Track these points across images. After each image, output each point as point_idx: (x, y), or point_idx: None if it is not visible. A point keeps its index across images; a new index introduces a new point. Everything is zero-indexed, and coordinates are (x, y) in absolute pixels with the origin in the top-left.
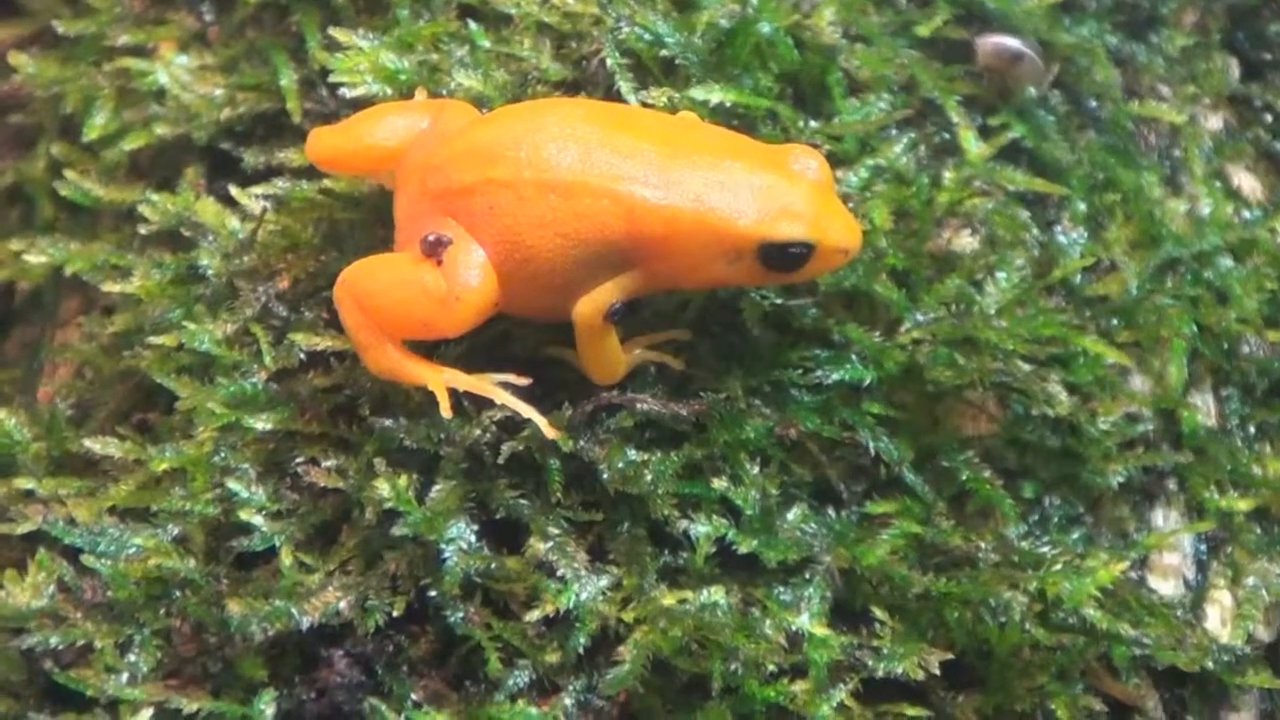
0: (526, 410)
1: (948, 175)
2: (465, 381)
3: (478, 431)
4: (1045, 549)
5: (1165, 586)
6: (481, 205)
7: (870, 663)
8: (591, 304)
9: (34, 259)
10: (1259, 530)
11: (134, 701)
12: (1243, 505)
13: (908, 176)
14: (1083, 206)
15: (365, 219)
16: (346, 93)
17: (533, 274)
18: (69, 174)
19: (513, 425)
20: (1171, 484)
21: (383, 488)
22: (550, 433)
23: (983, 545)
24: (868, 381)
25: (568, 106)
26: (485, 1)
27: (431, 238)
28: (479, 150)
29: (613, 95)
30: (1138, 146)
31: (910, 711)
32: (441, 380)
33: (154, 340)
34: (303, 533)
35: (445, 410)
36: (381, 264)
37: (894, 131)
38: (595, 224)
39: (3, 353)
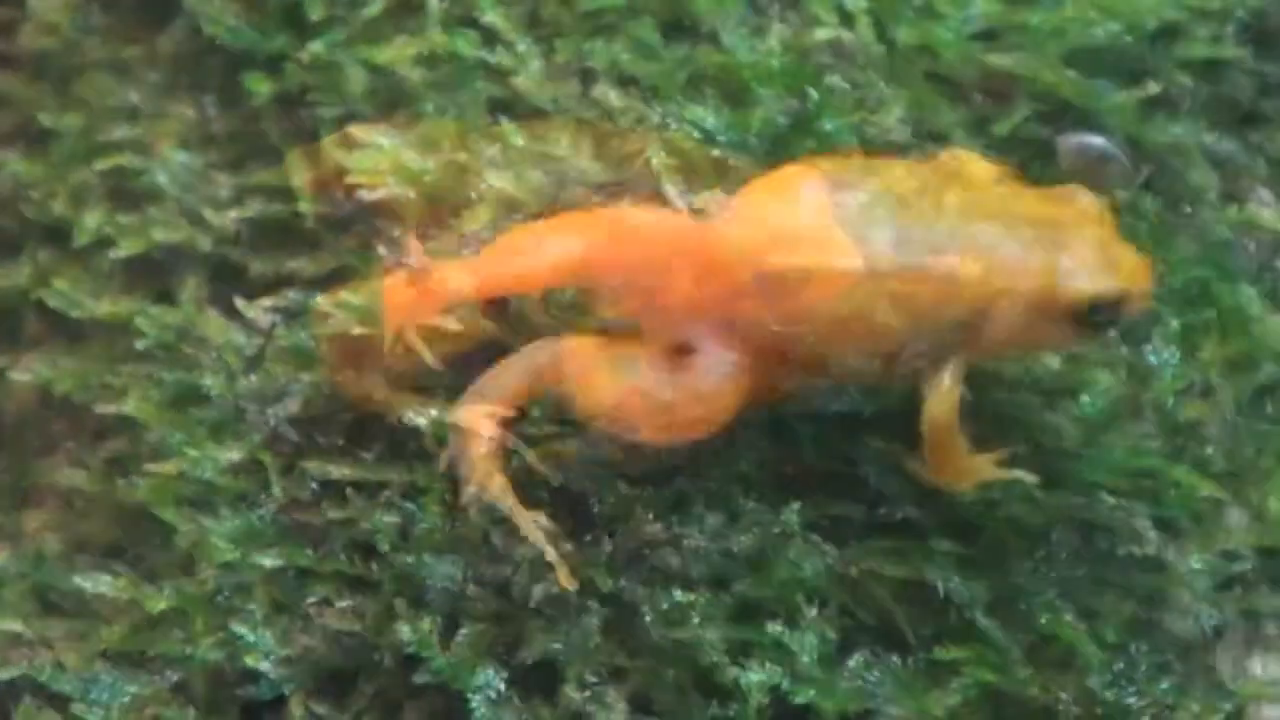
0: (551, 554)
1: None
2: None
3: (509, 570)
4: (1131, 699)
5: None
6: (806, 303)
7: None
8: (947, 401)
9: (18, 377)
10: None
11: None
12: None
13: None
14: (1175, 323)
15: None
16: (365, 195)
17: (824, 357)
18: (57, 283)
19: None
20: (1272, 629)
21: (404, 630)
22: (566, 582)
23: (1063, 696)
24: (937, 519)
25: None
26: (518, 96)
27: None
28: (777, 231)
29: (657, 198)
30: (1236, 257)
31: None
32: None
33: (151, 468)
34: (315, 680)
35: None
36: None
37: None
38: (912, 312)
39: None
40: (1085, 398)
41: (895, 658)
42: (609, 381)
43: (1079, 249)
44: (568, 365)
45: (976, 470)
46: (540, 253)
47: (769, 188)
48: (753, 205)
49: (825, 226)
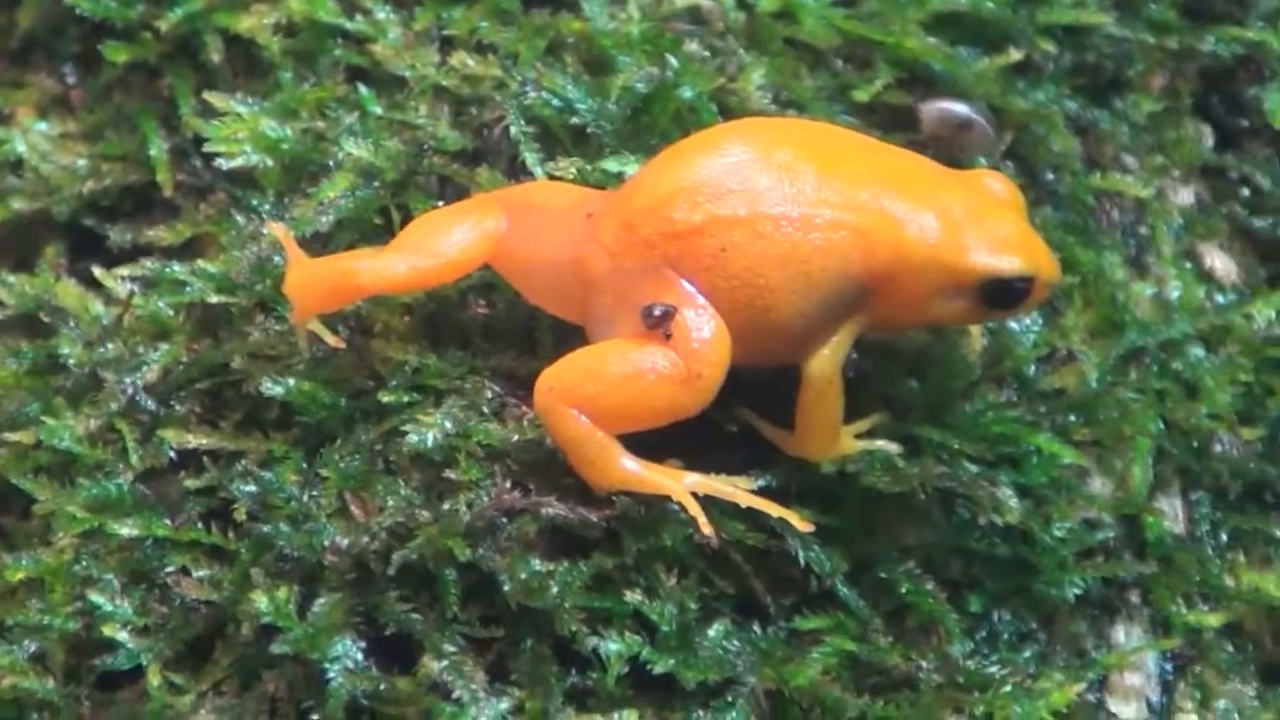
0: (777, 510)
1: None
2: (709, 485)
3: (366, 539)
4: (993, 668)
5: (1126, 710)
6: (712, 247)
7: None
8: (831, 359)
9: None
10: (1231, 648)
11: None
12: (1213, 620)
13: None
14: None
15: (244, 304)
16: (223, 164)
17: (771, 321)
18: None
19: (404, 532)
20: (1134, 597)
21: (260, 600)
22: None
23: (924, 664)
24: (797, 488)
25: (759, 130)
26: (377, 63)
27: (657, 310)
28: (695, 187)
29: (516, 167)
30: (1099, 223)
31: None
32: (685, 488)
33: (8, 437)
34: (172, 649)
35: (704, 527)
36: (593, 358)
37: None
38: (837, 258)
39: None
40: (946, 366)
41: (756, 627)
42: (611, 382)
43: (990, 228)
44: (578, 389)
45: (839, 442)
46: (449, 241)
47: (691, 144)
48: (667, 161)
49: (725, 173)
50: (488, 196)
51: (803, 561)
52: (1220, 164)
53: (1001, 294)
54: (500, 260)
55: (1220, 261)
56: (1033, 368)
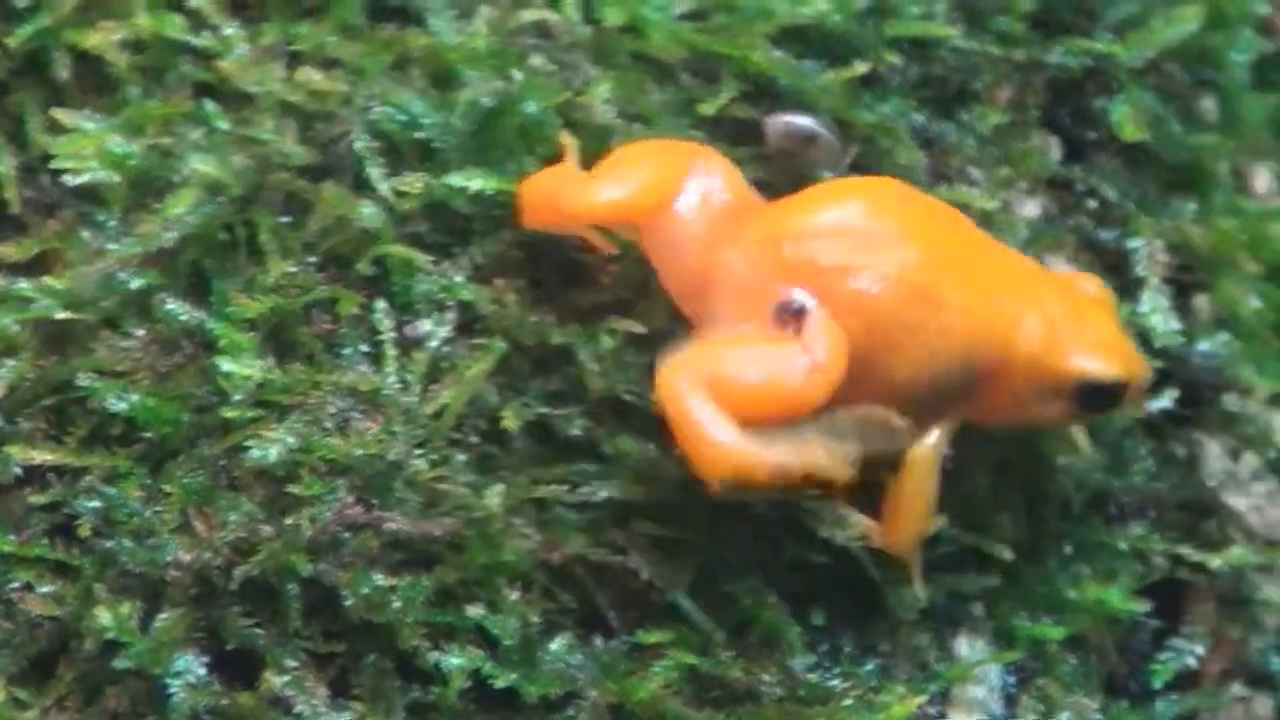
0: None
1: None
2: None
3: (208, 554)
4: (835, 682)
5: None
6: (849, 291)
7: None
8: (934, 447)
9: None
10: (1074, 660)
11: None
12: (1056, 633)
13: None
14: None
15: (90, 320)
16: (70, 180)
17: (880, 378)
18: None
19: (247, 547)
20: (977, 609)
21: (103, 616)
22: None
23: (766, 678)
24: (640, 499)
25: (913, 198)
26: (223, 79)
27: (795, 305)
28: (849, 230)
29: (361, 182)
30: None
31: None
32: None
33: None
34: (16, 665)
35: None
36: (727, 345)
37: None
38: (956, 344)
39: None
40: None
41: (598, 641)
42: (740, 366)
43: (1086, 332)
44: (710, 371)
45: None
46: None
47: (850, 187)
48: (825, 194)
49: (883, 230)
50: (679, 150)
51: (645, 576)
52: (1067, 176)
53: (1097, 397)
54: (651, 226)
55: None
56: None
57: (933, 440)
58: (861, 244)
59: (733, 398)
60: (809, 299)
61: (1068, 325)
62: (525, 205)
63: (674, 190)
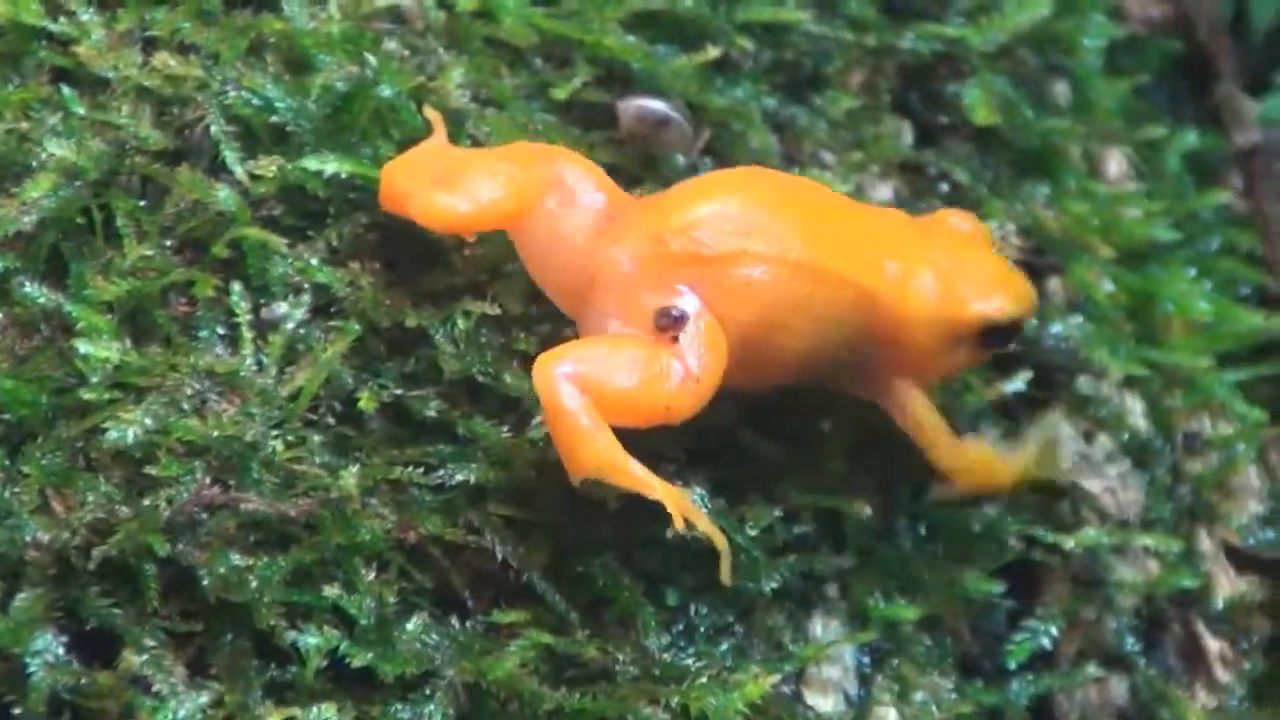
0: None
1: None
2: (686, 508)
3: (67, 534)
4: (689, 661)
5: (824, 702)
6: (735, 279)
7: None
8: (927, 412)
9: None
10: (928, 641)
11: None
12: (910, 613)
13: None
14: None
15: None
16: None
17: (773, 356)
18: None
19: (105, 528)
20: (832, 590)
21: None
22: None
23: (621, 657)
24: (495, 481)
25: (780, 181)
26: (80, 64)
27: (675, 312)
28: (728, 218)
29: (217, 165)
30: None
31: None
32: (667, 492)
33: None
34: None
35: (679, 524)
36: (607, 344)
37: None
38: (840, 312)
39: None
40: None
41: (454, 621)
42: (616, 368)
43: (975, 275)
44: (589, 369)
45: (999, 467)
46: (491, 188)
47: (723, 178)
48: (700, 187)
49: (761, 215)
50: (540, 154)
51: (500, 556)
52: (919, 160)
53: (1000, 335)
54: (519, 227)
55: None
56: None
57: (916, 404)
58: (742, 231)
59: (605, 399)
60: (690, 305)
61: (956, 272)
62: (385, 193)
63: (534, 196)
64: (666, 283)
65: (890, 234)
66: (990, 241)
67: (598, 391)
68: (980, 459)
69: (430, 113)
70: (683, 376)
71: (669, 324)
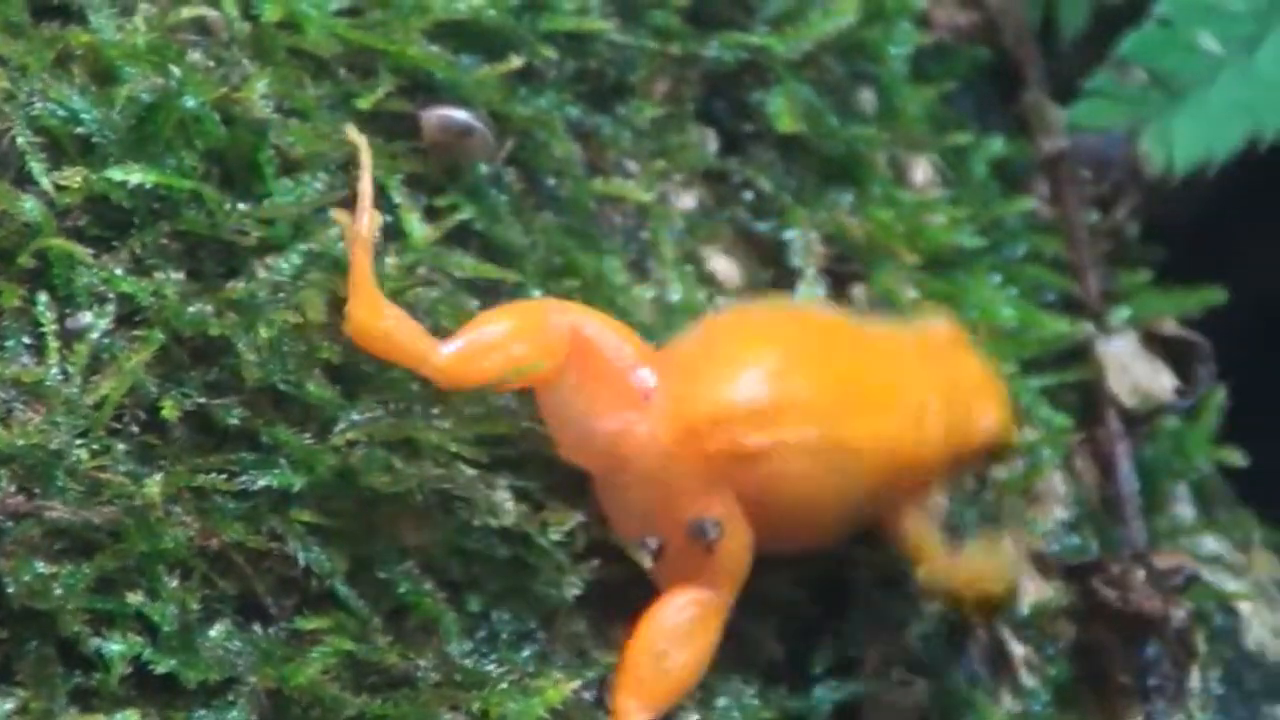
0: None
1: (389, 261)
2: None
3: None
4: (491, 667)
5: None
6: (772, 471)
7: None
8: (922, 526)
9: None
10: (731, 646)
11: None
12: None
13: (345, 263)
14: (538, 294)
15: None
16: None
17: (801, 531)
18: None
19: None
20: (638, 597)
21: None
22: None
23: (423, 663)
24: (297, 487)
25: (790, 332)
26: None
27: (711, 531)
28: (763, 407)
29: (23, 176)
30: (600, 228)
31: None
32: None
33: None
34: None
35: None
36: (653, 654)
37: (331, 215)
38: (866, 478)
39: None
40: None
41: (257, 627)
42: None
43: (971, 394)
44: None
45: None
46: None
47: (742, 343)
48: (725, 359)
49: (788, 396)
50: (553, 311)
51: (303, 562)
52: (724, 168)
53: (1001, 449)
54: (543, 392)
55: (722, 265)
56: None
57: (927, 542)
58: (775, 418)
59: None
60: (724, 508)
61: (957, 400)
62: (364, 339)
63: (560, 355)
64: (701, 480)
65: (895, 369)
66: (967, 342)
67: (669, 692)
68: (970, 577)
69: (351, 133)
70: (716, 604)
71: (705, 540)
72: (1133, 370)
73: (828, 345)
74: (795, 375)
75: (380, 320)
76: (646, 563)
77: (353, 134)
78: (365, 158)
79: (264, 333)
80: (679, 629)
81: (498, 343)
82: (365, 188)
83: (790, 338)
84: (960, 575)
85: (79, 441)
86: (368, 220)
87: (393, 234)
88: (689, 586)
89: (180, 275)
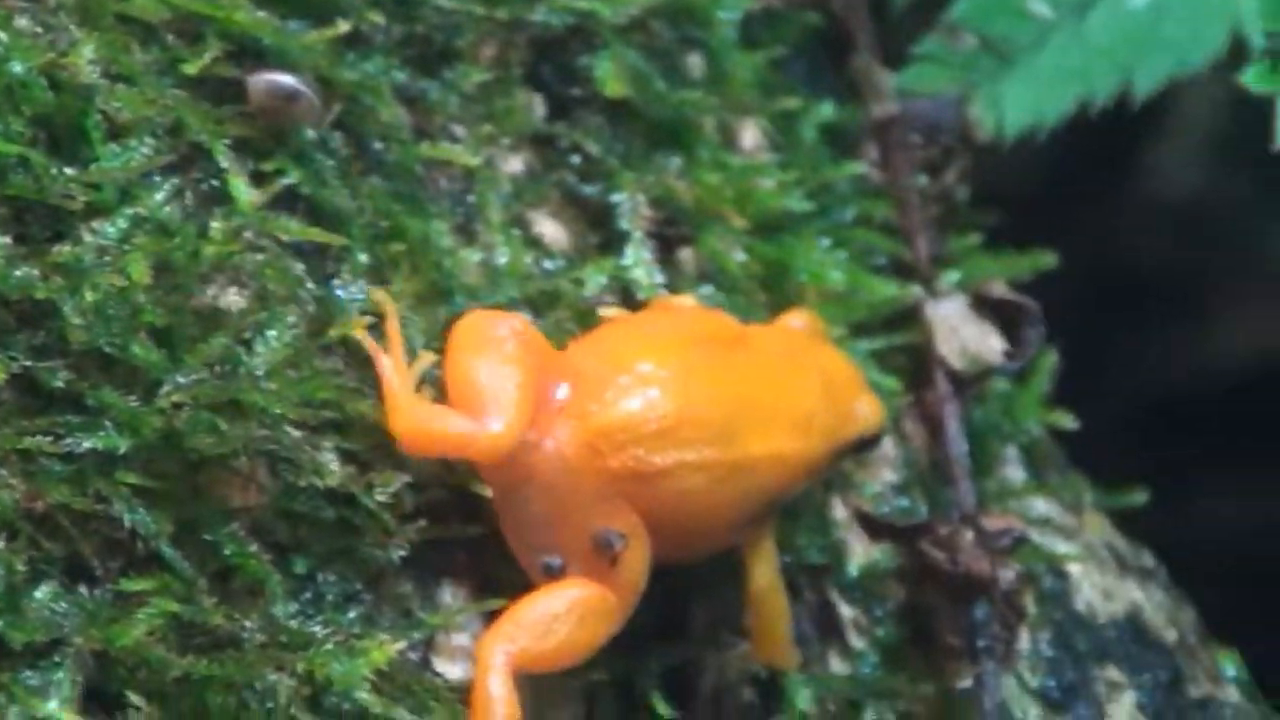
0: None
1: (215, 225)
2: None
3: None
4: (317, 628)
5: (452, 669)
6: (673, 488)
7: None
8: (769, 569)
9: None
10: None
11: None
12: None
13: (171, 227)
14: (364, 258)
15: None
16: None
17: (701, 539)
18: None
19: None
20: (461, 558)
21: None
22: None
23: (248, 624)
24: (123, 449)
25: (685, 339)
26: None
27: (616, 543)
28: (662, 425)
29: None
30: (427, 192)
31: None
32: None
33: None
34: None
35: None
36: (541, 616)
37: (157, 178)
38: (763, 491)
39: None
40: (271, 332)
41: (84, 589)
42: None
43: (839, 388)
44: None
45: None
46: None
47: (639, 353)
48: (624, 371)
49: (688, 410)
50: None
51: (128, 524)
52: (551, 133)
53: (867, 445)
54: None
55: (549, 228)
56: (360, 333)
57: (764, 567)
58: (674, 434)
59: (551, 657)
60: (626, 524)
61: (833, 398)
62: (416, 445)
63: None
64: (604, 494)
65: (780, 377)
66: (827, 334)
67: (540, 655)
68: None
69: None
70: (616, 608)
71: (610, 552)
72: (962, 333)
73: (720, 357)
74: (693, 393)
75: (421, 415)
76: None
77: (378, 295)
78: (390, 309)
79: (89, 296)
80: (577, 608)
81: (515, 388)
82: (393, 330)
83: (684, 351)
84: (777, 611)
85: None
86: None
87: (220, 198)
88: (594, 583)
89: (6, 239)
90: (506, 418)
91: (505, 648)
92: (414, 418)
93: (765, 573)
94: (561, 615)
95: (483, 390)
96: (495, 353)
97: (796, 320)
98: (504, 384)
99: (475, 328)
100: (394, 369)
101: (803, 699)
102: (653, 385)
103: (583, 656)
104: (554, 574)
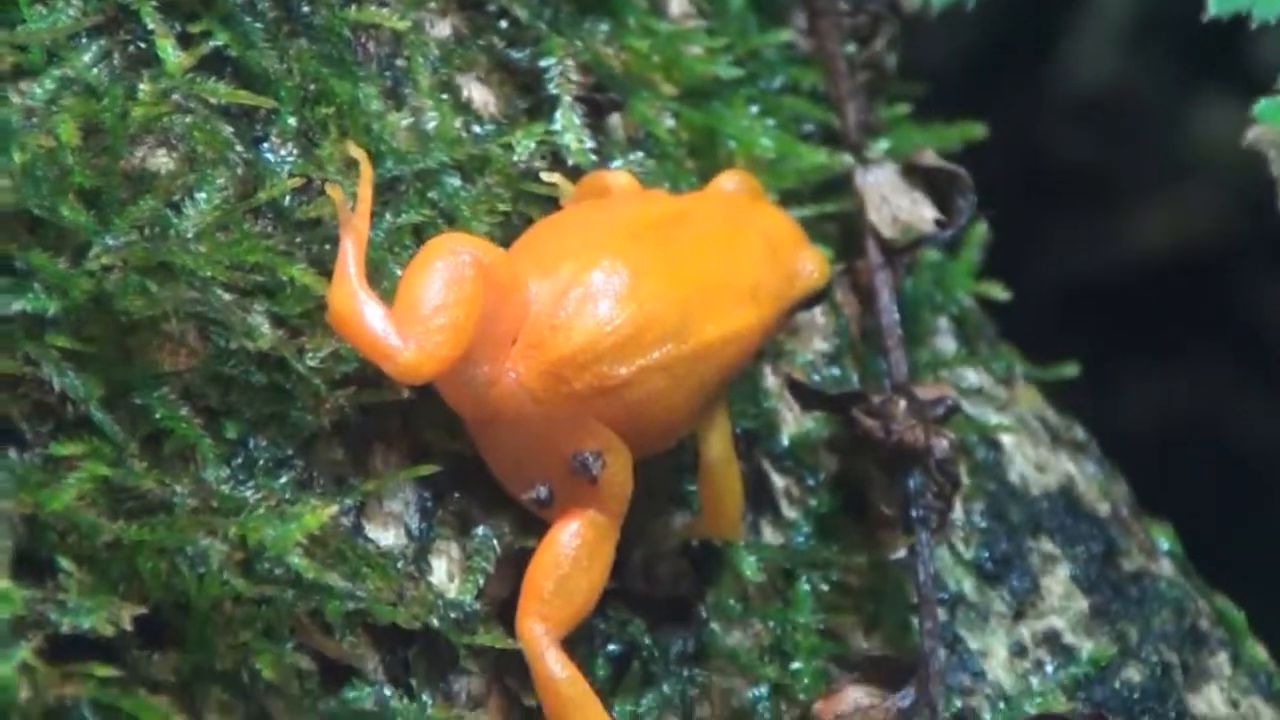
0: None
1: (143, 88)
2: None
3: None
4: (248, 493)
5: (385, 535)
6: (637, 394)
7: (55, 617)
8: (724, 441)
9: None
10: (488, 475)
11: None
12: (470, 449)
13: (99, 89)
14: (293, 121)
15: None
16: None
17: (668, 432)
18: None
19: None
20: (393, 424)
21: None
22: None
23: (179, 489)
24: (52, 312)
25: (636, 247)
26: None
27: (592, 461)
28: (620, 336)
29: None
30: (355, 56)
31: (100, 671)
32: None
33: None
34: None
35: None
36: (549, 570)
37: (84, 39)
38: (722, 370)
39: None
40: (201, 195)
41: (13, 453)
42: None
43: (783, 248)
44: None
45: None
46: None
47: (589, 268)
48: (576, 294)
49: (641, 319)
50: (461, 249)
51: (58, 388)
52: None
53: (815, 300)
54: None
55: (479, 93)
56: (288, 198)
57: (717, 436)
58: (631, 348)
59: (579, 604)
60: (601, 439)
61: (777, 259)
62: (337, 319)
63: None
64: (574, 418)
65: (723, 250)
66: (762, 190)
67: (574, 613)
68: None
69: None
70: (607, 525)
71: (588, 470)
72: (893, 201)
73: (663, 247)
74: (643, 294)
75: (357, 305)
76: (540, 509)
77: (354, 150)
78: (366, 170)
79: (18, 157)
80: (578, 553)
81: (449, 322)
82: (365, 193)
83: (628, 249)
84: (730, 482)
85: None
86: (362, 222)
87: (148, 60)
88: (581, 511)
89: None
90: (426, 348)
91: (542, 626)
92: (351, 301)
93: (719, 443)
94: (570, 569)
95: (420, 313)
96: (448, 278)
97: (729, 182)
98: (442, 314)
99: (439, 249)
100: (356, 243)
101: (749, 567)
102: (603, 297)
103: (601, 586)
104: (544, 504)
